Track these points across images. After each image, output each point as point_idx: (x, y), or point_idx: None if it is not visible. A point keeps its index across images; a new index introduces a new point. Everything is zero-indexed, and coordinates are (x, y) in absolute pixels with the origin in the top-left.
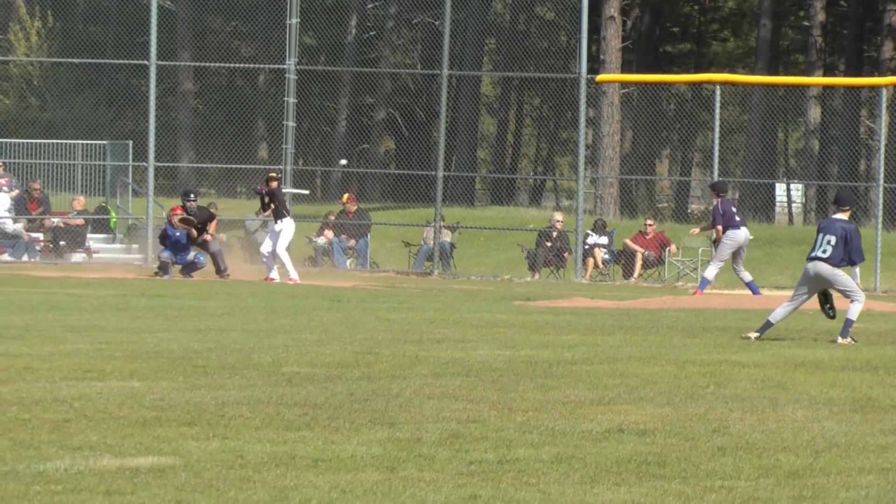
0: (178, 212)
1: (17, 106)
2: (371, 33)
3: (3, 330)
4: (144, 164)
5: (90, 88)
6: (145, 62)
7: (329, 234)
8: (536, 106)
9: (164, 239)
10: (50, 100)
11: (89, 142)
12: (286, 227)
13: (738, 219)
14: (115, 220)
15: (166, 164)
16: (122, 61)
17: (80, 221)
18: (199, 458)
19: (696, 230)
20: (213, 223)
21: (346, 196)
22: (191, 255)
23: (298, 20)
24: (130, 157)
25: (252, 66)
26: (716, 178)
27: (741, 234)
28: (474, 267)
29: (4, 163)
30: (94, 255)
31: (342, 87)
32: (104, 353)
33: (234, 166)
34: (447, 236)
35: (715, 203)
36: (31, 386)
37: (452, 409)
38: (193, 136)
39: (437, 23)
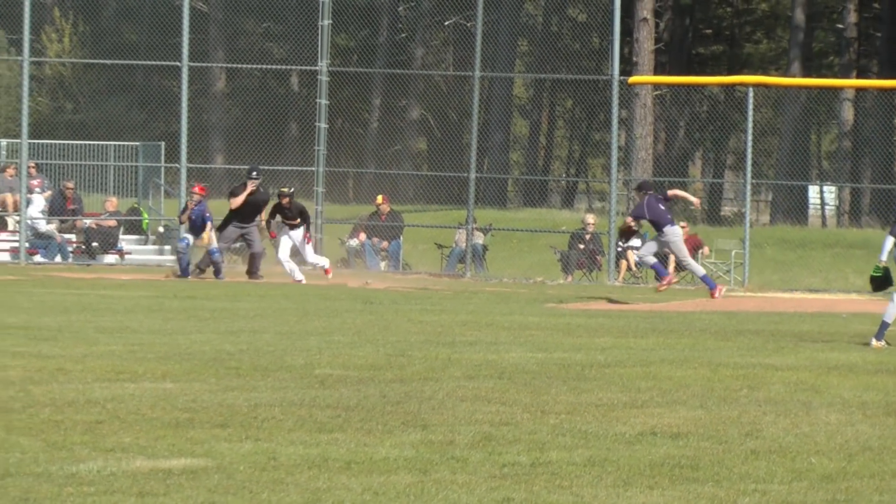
0: (200, 191)
1: (50, 107)
2: (403, 35)
3: (36, 331)
4: (177, 165)
5: (123, 90)
6: (177, 63)
7: (362, 235)
8: (569, 108)
9: (184, 213)
10: (83, 101)
11: (121, 143)
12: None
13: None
14: (147, 221)
15: (198, 166)
16: (154, 63)
17: (112, 223)
18: (232, 459)
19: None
20: (264, 212)
21: (380, 197)
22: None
23: (330, 21)
24: (163, 158)
25: (284, 67)
26: (748, 180)
27: (678, 230)
28: (507, 269)
29: (37, 164)
30: (127, 257)
31: (374, 88)
32: (137, 354)
33: (266, 167)
34: (480, 238)
35: (643, 201)
36: (63, 387)
37: (485, 411)
38: (226, 138)
39: (469, 24)
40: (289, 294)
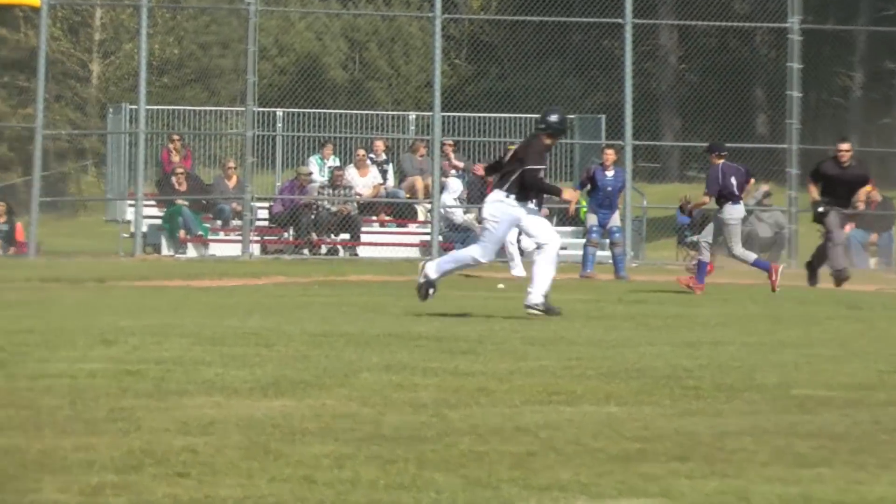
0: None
1: (471, 72)
2: None
3: (452, 342)
4: (621, 142)
5: (556, 53)
6: (620, 20)
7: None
8: None
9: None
10: (509, 66)
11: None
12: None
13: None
14: (585, 210)
15: (646, 143)
16: (592, 20)
17: (543, 212)
18: (694, 499)
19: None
20: (868, 187)
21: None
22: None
23: None
24: (603, 134)
25: (748, 24)
26: None
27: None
28: None
29: (455, 142)
30: (561, 252)
31: (856, 49)
32: (574, 371)
33: (727, 145)
34: None
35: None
36: (486, 411)
37: None
38: (678, 109)
39: None
40: (756, 297)
